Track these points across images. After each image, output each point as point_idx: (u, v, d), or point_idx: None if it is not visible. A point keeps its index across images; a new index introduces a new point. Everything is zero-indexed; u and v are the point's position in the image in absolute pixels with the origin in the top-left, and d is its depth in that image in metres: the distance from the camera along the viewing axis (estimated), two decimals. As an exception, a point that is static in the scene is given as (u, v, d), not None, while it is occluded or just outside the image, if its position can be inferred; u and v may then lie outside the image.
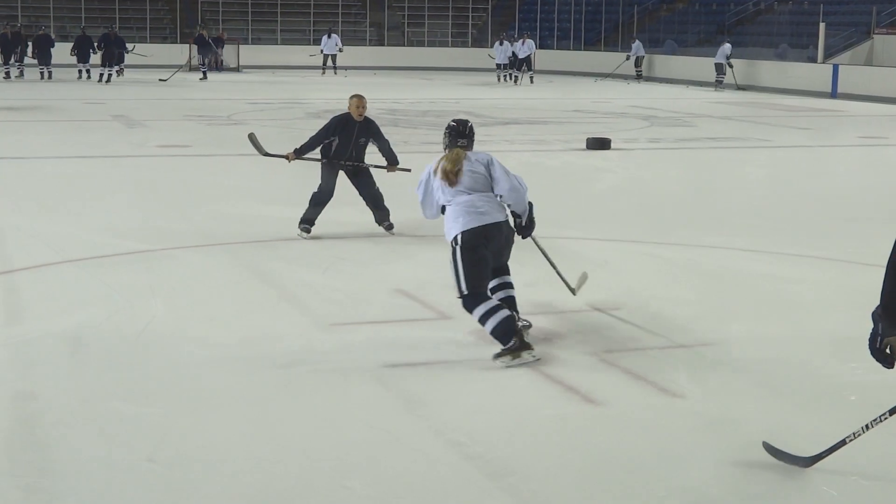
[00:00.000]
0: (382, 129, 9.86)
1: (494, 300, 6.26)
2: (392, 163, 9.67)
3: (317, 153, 9.53)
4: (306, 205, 9.47)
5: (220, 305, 7.32)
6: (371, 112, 9.63)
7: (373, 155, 9.62)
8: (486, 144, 16.82)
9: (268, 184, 12.22)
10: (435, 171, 6.53)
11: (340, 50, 36.87)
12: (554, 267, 7.22)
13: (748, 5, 36.80)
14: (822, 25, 31.58)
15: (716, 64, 32.05)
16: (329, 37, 37.18)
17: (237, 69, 37.39)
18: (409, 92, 28.67)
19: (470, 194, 6.38)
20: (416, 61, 41.49)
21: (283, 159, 9.64)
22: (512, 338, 6.06)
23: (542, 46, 41.22)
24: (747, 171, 15.09)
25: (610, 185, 13.52)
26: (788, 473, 4.66)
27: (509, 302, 6.47)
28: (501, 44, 36.10)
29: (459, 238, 6.27)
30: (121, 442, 4.90)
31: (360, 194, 9.63)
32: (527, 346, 6.08)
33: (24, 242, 9.12)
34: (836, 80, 29.68)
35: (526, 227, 6.68)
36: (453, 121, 6.71)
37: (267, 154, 9.96)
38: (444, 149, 6.63)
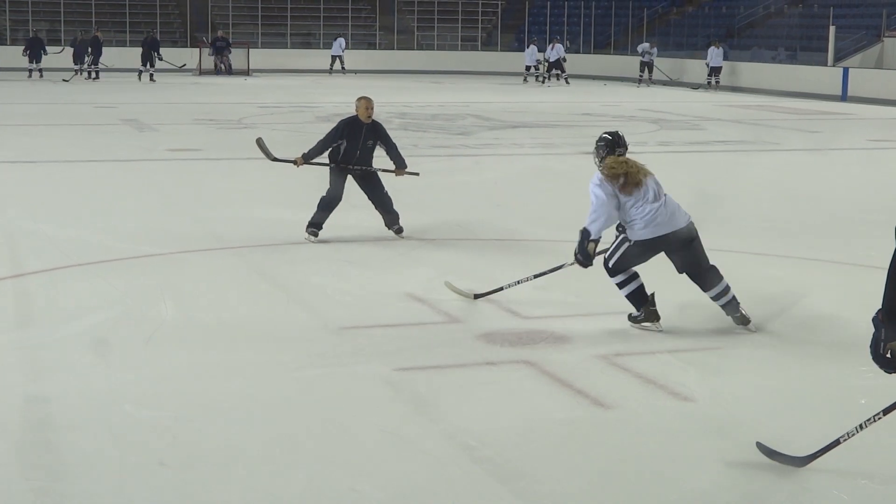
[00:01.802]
0: (392, 133, 9.87)
1: (633, 270, 6.94)
2: (400, 167, 9.68)
3: (325, 157, 9.54)
4: (315, 209, 9.50)
5: (230, 308, 7.33)
6: (381, 116, 9.65)
7: (381, 159, 9.64)
8: (495, 147, 16.85)
9: (277, 187, 12.24)
10: (617, 184, 6.77)
11: (343, 50, 38.46)
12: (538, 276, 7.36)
13: (758, 8, 36.75)
14: (832, 28, 31.53)
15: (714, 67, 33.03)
16: (335, 40, 39.07)
17: (247, 73, 37.44)
18: (418, 95, 28.69)
19: (653, 203, 6.78)
20: (425, 65, 41.51)
21: (292, 164, 9.66)
22: (640, 307, 6.83)
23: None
24: (757, 175, 15.06)
25: (619, 189, 13.48)
26: (794, 477, 4.66)
27: (734, 302, 6.90)
28: (528, 47, 37.43)
29: (637, 243, 6.86)
30: (132, 445, 4.92)
31: (370, 198, 9.64)
32: (653, 318, 6.82)
33: (35, 246, 9.15)
34: (846, 83, 29.64)
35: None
36: (607, 133, 7.17)
37: (275, 159, 9.98)
38: (601, 160, 6.97)
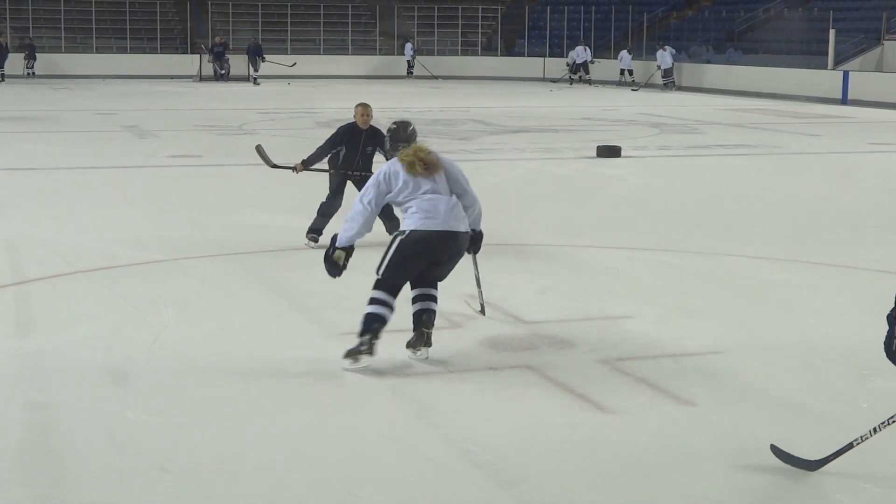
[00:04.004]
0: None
1: (386, 296, 6.13)
2: (401, 172, 9.67)
3: (324, 164, 9.55)
4: (315, 215, 9.49)
5: (231, 315, 7.33)
6: (380, 121, 9.64)
7: (380, 164, 9.62)
8: (496, 153, 16.84)
9: (277, 194, 12.24)
10: (405, 165, 6.26)
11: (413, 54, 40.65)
12: (479, 286, 7.13)
13: (758, 12, 36.78)
14: (832, 32, 31.55)
15: (665, 69, 34.78)
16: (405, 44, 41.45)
17: (249, 79, 37.47)
18: (418, 101, 28.70)
19: (433, 195, 6.22)
20: (425, 70, 41.53)
21: (291, 170, 9.65)
22: (366, 334, 6.03)
23: (551, 55, 41.27)
24: (758, 178, 15.07)
25: (620, 193, 13.52)
26: (800, 481, 4.65)
27: (429, 315, 6.28)
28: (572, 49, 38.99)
29: (409, 234, 6.14)
30: (133, 451, 4.91)
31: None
32: (368, 352, 6.02)
33: (36, 253, 9.15)
34: (846, 86, 29.64)
35: (479, 237, 6.54)
36: (394, 123, 6.63)
37: (274, 166, 9.98)
38: (388, 152, 6.61)
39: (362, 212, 6.30)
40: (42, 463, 4.81)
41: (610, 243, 9.88)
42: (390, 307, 6.16)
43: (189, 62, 38.45)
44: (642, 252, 9.53)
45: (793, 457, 4.72)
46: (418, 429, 5.28)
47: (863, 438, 4.62)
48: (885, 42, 31.77)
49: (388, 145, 6.58)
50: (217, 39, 38.26)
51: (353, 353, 6.08)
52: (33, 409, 5.49)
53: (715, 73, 34.65)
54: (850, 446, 4.64)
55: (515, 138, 19.31)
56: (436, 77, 39.79)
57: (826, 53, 31.53)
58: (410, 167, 6.27)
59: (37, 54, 37.00)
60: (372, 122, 9.50)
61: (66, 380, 5.92)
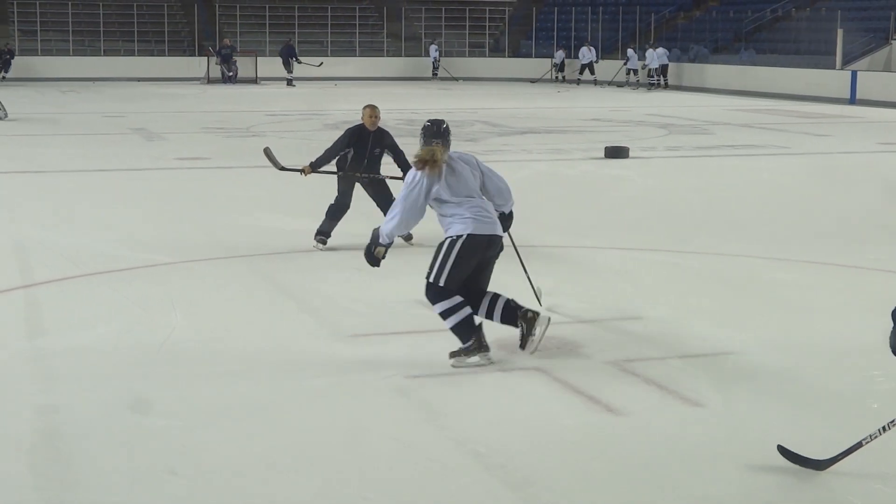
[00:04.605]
0: (400, 140, 9.87)
1: (459, 297, 6.24)
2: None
3: (332, 166, 9.54)
4: (323, 217, 9.49)
5: (240, 317, 7.33)
6: (389, 123, 9.66)
7: (389, 166, 9.64)
8: (504, 154, 16.84)
9: (286, 196, 12.25)
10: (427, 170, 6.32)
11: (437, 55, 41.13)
12: (526, 272, 7.28)
13: (766, 12, 36.73)
14: (840, 32, 31.49)
15: (652, 68, 35.59)
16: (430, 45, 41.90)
17: (255, 81, 37.54)
18: (426, 102, 28.71)
19: (475, 198, 6.36)
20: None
21: (299, 173, 9.65)
22: (471, 337, 6.15)
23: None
24: (766, 179, 15.05)
25: (628, 194, 13.50)
26: (809, 481, 4.65)
27: (513, 303, 6.42)
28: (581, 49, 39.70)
29: (466, 238, 6.23)
30: (143, 454, 4.92)
31: (378, 206, 9.63)
32: (484, 349, 6.16)
33: (45, 256, 9.16)
34: (854, 86, 29.58)
35: (509, 217, 6.69)
36: (427, 121, 6.66)
37: (283, 168, 9.97)
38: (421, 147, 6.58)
39: (403, 209, 6.37)
40: (51, 466, 4.82)
41: (618, 244, 9.88)
42: (465, 303, 6.23)
43: (197, 65, 38.50)
44: (650, 253, 9.52)
45: (800, 457, 4.72)
46: (427, 430, 5.28)
47: (871, 437, 4.62)
48: (893, 42, 31.70)
49: (421, 142, 6.59)
50: (224, 42, 38.30)
51: (467, 353, 6.18)
52: (43, 412, 5.50)
53: (723, 73, 34.61)
54: (858, 445, 4.64)
55: (523, 139, 19.31)
56: (456, 79, 39.99)
57: (834, 53, 31.47)
58: (429, 167, 6.31)
59: (14, 57, 36.99)
60: (380, 124, 9.50)
61: (75, 383, 5.93)
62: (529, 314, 6.34)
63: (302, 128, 21.41)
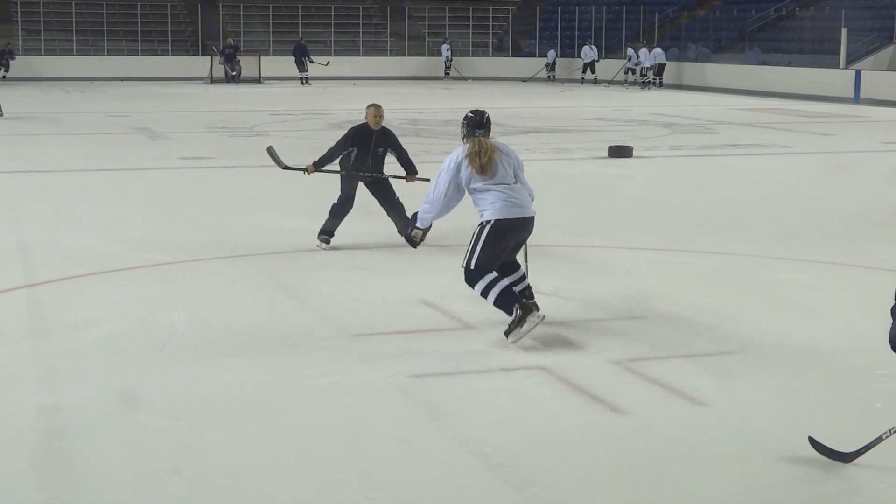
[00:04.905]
0: (403, 139, 9.87)
1: (494, 273, 6.55)
2: (411, 172, 9.67)
3: (336, 165, 9.54)
4: (327, 216, 9.49)
5: (243, 316, 7.33)
6: (392, 122, 9.65)
7: (391, 165, 9.64)
8: (507, 153, 16.80)
9: (289, 195, 12.25)
10: (468, 158, 6.65)
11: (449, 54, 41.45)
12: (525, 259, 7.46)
13: (769, 11, 36.70)
14: (844, 31, 31.46)
15: (646, 67, 36.17)
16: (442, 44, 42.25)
17: (259, 81, 37.56)
18: (430, 102, 28.71)
19: (506, 183, 6.63)
20: (437, 71, 41.56)
21: (303, 172, 9.64)
22: (513, 305, 6.37)
23: (562, 55, 41.24)
24: (770, 178, 15.04)
25: (632, 194, 13.49)
26: (810, 481, 4.64)
27: (527, 289, 6.90)
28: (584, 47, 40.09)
29: (493, 223, 6.53)
30: (146, 454, 4.92)
31: (381, 205, 9.64)
32: (529, 310, 6.35)
33: (48, 256, 9.16)
34: (858, 85, 29.56)
35: None
36: (471, 111, 6.95)
37: (286, 167, 9.97)
38: (463, 139, 6.83)
39: (436, 196, 6.74)
40: (55, 466, 4.82)
41: (621, 243, 9.87)
42: (500, 276, 6.54)
43: (200, 64, 38.53)
44: (654, 252, 9.51)
45: (829, 449, 4.76)
46: (430, 430, 5.27)
47: (891, 432, 4.69)
48: (897, 41, 31.69)
49: (464, 131, 6.86)
50: (228, 41, 38.32)
51: (515, 326, 6.35)
52: (45, 411, 5.50)
53: (726, 72, 34.58)
54: (879, 439, 4.71)
55: (527, 139, 19.30)
56: (466, 78, 40.04)
57: (838, 52, 31.45)
58: (471, 161, 6.64)
59: (15, 57, 37.09)
60: (384, 123, 9.50)
61: (77, 382, 5.92)
62: (528, 305, 6.49)
63: (305, 127, 21.41)
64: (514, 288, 6.74)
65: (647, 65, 36.05)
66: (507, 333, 6.44)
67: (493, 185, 6.62)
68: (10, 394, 5.74)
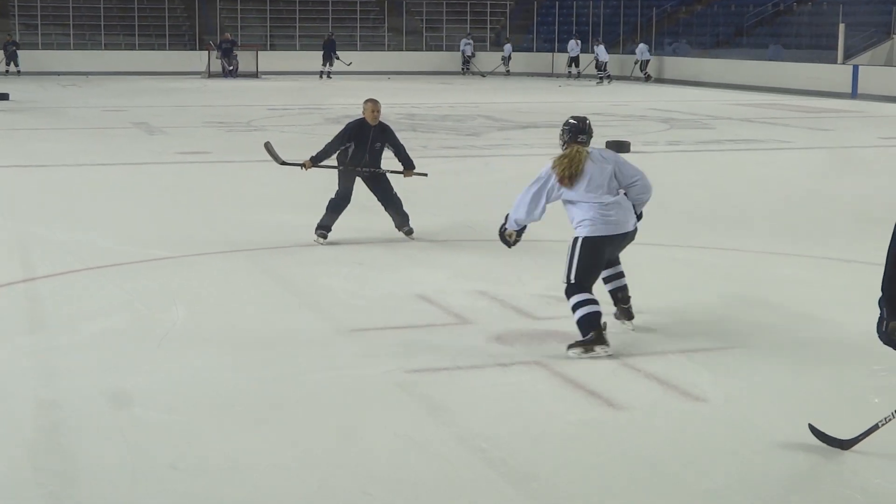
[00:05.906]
0: (401, 135, 9.86)
1: (591, 294, 6.41)
2: (409, 168, 9.66)
3: (333, 160, 9.53)
4: (324, 211, 9.49)
5: (241, 311, 7.33)
6: (390, 117, 9.65)
7: (390, 160, 9.63)
8: (505, 148, 16.83)
9: (286, 190, 12.24)
10: (557, 170, 6.56)
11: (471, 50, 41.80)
12: None
13: (767, 6, 36.69)
14: (841, 26, 31.47)
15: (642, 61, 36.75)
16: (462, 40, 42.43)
17: (256, 75, 37.53)
18: (427, 96, 28.69)
19: (598, 195, 6.48)
20: (434, 66, 41.53)
21: (300, 167, 9.64)
22: (591, 331, 6.26)
23: (560, 50, 41.22)
24: (768, 174, 15.04)
25: (630, 189, 13.46)
26: (808, 476, 4.66)
27: (623, 290, 6.82)
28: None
29: (583, 241, 6.46)
30: (144, 449, 4.92)
31: (379, 200, 9.63)
32: (602, 342, 6.27)
33: (46, 251, 9.16)
34: (856, 80, 29.58)
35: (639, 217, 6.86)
36: (572, 118, 6.77)
37: (283, 162, 9.96)
38: (563, 146, 6.69)
39: (526, 201, 6.68)
40: (53, 461, 4.82)
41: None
42: (596, 301, 6.39)
43: (197, 59, 38.50)
44: (651, 248, 9.50)
45: (827, 436, 4.81)
46: (429, 426, 5.27)
47: (886, 420, 4.74)
48: (894, 36, 31.68)
49: (565, 137, 6.71)
50: (225, 36, 38.29)
51: (582, 345, 6.27)
52: (44, 406, 5.50)
53: (723, 67, 34.58)
54: (875, 427, 4.76)
55: (524, 134, 19.28)
56: (483, 75, 40.20)
57: (836, 48, 31.45)
58: (558, 169, 6.55)
59: (23, 51, 37.11)
60: (381, 119, 9.49)
61: (76, 377, 5.92)
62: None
63: (303, 122, 21.39)
64: (609, 285, 6.75)
65: (605, 59, 36.35)
66: (570, 346, 6.29)
67: (584, 198, 6.49)
68: (9, 388, 5.74)
